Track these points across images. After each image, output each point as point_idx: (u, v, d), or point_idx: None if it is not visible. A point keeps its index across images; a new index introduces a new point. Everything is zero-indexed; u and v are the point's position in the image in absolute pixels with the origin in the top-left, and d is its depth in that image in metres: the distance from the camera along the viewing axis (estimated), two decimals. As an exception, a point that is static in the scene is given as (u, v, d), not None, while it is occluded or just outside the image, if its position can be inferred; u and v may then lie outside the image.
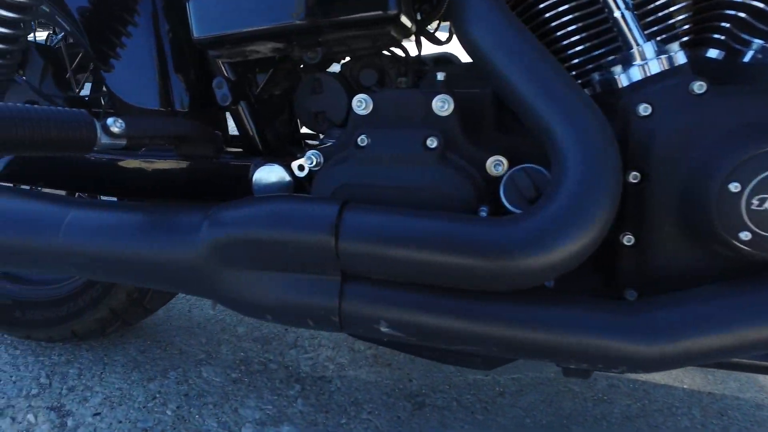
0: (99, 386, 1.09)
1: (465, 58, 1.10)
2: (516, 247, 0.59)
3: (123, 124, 0.68)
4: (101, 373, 1.13)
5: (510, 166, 0.74)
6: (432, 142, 0.73)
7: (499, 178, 0.74)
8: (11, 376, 1.11)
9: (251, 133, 0.91)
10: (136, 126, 0.70)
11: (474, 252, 0.60)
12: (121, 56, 0.90)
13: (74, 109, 0.66)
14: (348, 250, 0.62)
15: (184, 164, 0.88)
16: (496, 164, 0.74)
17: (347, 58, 0.93)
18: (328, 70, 0.98)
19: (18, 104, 0.60)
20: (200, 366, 1.15)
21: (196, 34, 0.78)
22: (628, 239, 0.70)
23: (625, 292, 0.72)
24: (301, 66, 1.00)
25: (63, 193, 1.06)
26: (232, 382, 1.10)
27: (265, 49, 0.82)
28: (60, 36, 1.15)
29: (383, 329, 0.65)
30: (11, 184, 1.00)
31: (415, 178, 0.72)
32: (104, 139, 0.67)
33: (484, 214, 0.72)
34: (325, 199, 0.66)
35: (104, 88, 1.26)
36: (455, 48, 1.09)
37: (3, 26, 0.79)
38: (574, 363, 0.63)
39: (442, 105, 0.74)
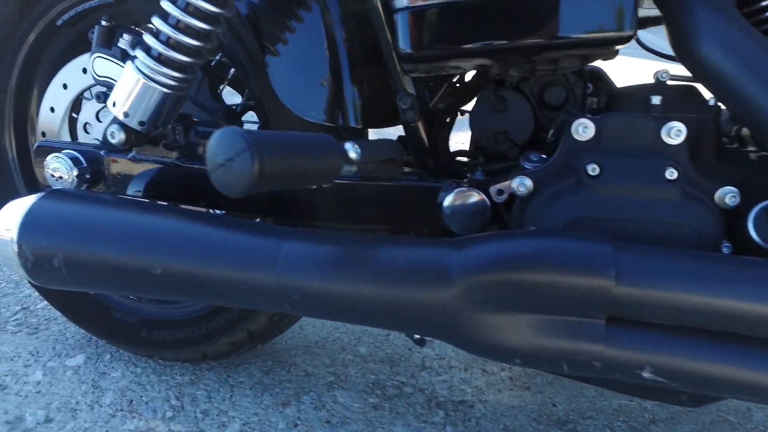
0: (233, 411, 1.04)
1: (613, 74, 1.05)
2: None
3: (359, 149, 0.63)
4: (231, 396, 1.08)
5: (743, 198, 0.70)
6: (672, 174, 0.69)
7: (732, 211, 0.71)
8: (141, 396, 1.06)
9: (428, 152, 0.87)
10: (368, 150, 0.65)
11: (770, 297, 0.56)
12: (294, 67, 0.85)
13: (319, 134, 0.61)
14: (627, 293, 0.58)
15: (364, 185, 0.83)
16: (731, 196, 0.70)
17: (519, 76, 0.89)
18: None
19: (281, 131, 0.55)
20: (332, 389, 1.10)
21: (404, 47, 0.73)
22: None
23: None
24: (465, 82, 0.95)
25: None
26: (372, 407, 1.06)
27: (470, 65, 0.77)
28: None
29: (646, 375, 0.61)
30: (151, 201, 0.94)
31: (658, 212, 0.68)
32: (344, 168, 0.62)
33: (726, 250, 0.68)
34: (589, 236, 0.61)
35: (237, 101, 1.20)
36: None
37: (197, 39, 0.73)
38: None
39: (677, 133, 0.70)
